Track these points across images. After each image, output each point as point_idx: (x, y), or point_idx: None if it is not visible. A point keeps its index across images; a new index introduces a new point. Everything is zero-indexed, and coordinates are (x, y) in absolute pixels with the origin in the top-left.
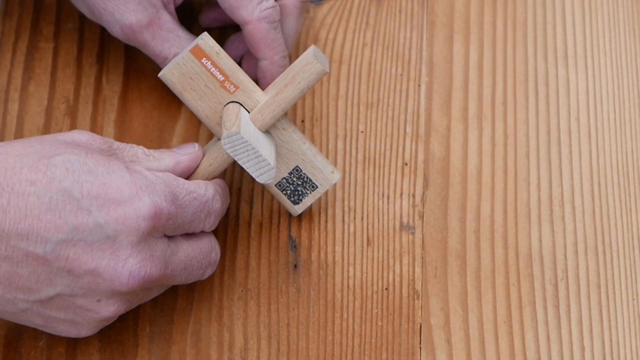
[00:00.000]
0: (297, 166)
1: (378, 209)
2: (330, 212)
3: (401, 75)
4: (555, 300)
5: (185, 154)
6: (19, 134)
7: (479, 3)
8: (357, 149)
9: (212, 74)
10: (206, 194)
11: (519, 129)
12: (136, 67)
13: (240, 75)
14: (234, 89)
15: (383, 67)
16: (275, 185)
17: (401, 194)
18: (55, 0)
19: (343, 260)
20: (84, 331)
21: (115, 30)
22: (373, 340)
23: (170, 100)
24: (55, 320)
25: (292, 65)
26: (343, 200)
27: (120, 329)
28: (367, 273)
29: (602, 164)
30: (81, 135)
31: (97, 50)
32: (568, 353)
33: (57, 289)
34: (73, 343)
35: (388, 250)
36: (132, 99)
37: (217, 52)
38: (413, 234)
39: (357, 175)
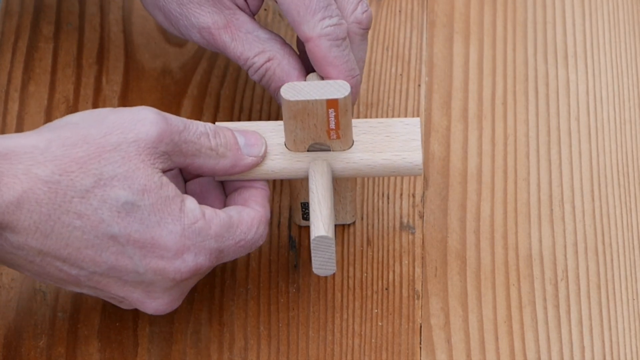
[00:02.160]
0: (306, 202)
1: (378, 209)
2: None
3: (401, 75)
4: (555, 300)
5: (249, 156)
6: None
7: (479, 3)
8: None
9: (328, 120)
10: (254, 237)
11: (519, 129)
12: (136, 67)
13: (348, 131)
14: (336, 137)
15: (383, 67)
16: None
17: (401, 194)
18: (55, 0)
19: (343, 260)
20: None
21: (193, 35)
22: (373, 340)
23: (170, 101)
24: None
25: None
26: None
27: (120, 329)
28: (367, 273)
29: (602, 164)
30: (150, 128)
31: (97, 50)
32: (568, 353)
33: (84, 290)
34: (73, 343)
35: (388, 250)
36: (132, 99)
37: (346, 110)
38: (413, 234)
39: None
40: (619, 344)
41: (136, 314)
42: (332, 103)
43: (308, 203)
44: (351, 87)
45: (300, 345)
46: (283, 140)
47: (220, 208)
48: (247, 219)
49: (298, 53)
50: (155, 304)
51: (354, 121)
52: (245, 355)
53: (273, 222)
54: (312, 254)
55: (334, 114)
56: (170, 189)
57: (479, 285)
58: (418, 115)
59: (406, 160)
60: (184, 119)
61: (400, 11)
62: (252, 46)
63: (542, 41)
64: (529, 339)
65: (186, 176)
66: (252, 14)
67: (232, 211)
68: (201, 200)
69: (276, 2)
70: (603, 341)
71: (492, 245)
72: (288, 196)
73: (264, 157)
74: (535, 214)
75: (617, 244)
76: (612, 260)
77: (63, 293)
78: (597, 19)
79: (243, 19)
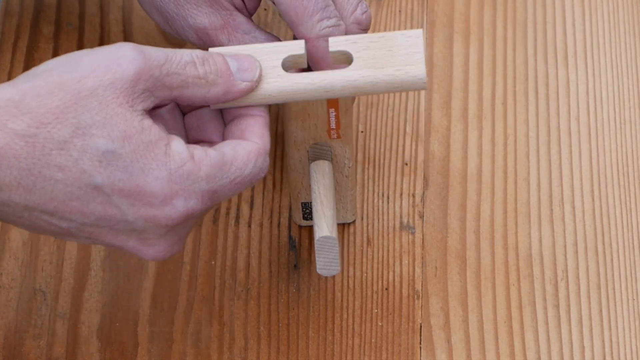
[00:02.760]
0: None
1: (378, 209)
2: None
3: None
4: (555, 300)
5: (242, 81)
6: None
7: (479, 3)
8: (357, 149)
9: (329, 120)
10: (252, 171)
11: (519, 129)
12: None
13: (349, 130)
14: (336, 137)
15: None
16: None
17: (401, 194)
18: (55, 0)
19: (343, 260)
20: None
21: (190, 36)
22: (373, 340)
23: None
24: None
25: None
26: None
27: (120, 329)
28: (367, 273)
29: (602, 164)
30: (127, 67)
31: None
32: (568, 353)
33: (80, 240)
34: (73, 343)
35: (388, 250)
36: None
37: (347, 109)
38: (413, 234)
39: (357, 175)
40: (619, 344)
41: (136, 314)
42: (332, 103)
43: (309, 203)
44: None
45: (300, 345)
46: (279, 62)
47: (219, 140)
48: (242, 153)
49: None
50: (153, 250)
51: (353, 37)
52: (245, 355)
53: (273, 222)
54: (317, 255)
55: (334, 113)
56: (153, 132)
57: (479, 285)
58: (418, 116)
59: (409, 74)
60: (167, 50)
61: (400, 11)
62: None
63: (542, 41)
64: (529, 339)
65: (183, 109)
66: (249, 15)
67: (225, 147)
68: (199, 134)
69: (274, 3)
70: (603, 341)
71: (492, 245)
72: (288, 196)
73: (258, 81)
74: (535, 214)
75: (617, 244)
76: (612, 260)
77: (63, 293)
78: (597, 19)
79: (240, 19)
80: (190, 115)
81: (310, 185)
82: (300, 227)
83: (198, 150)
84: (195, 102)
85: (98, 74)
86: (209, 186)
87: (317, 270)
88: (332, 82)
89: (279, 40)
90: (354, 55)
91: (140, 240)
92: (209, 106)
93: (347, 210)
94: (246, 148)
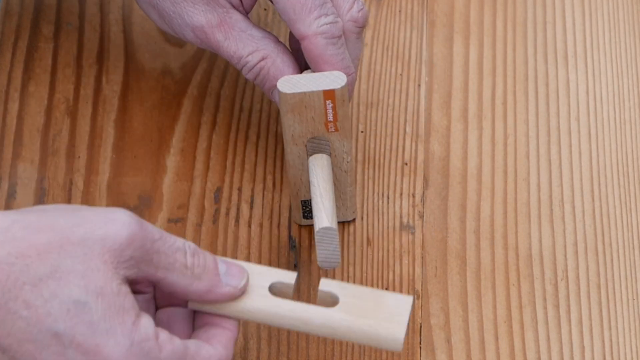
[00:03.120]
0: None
1: (378, 209)
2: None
3: (401, 75)
4: (555, 300)
5: (227, 284)
6: (18, 134)
7: (479, 3)
8: (357, 149)
9: (326, 112)
10: None
11: (519, 129)
12: (136, 67)
13: (346, 123)
14: (334, 130)
15: (383, 67)
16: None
17: (401, 194)
18: (55, 0)
19: (343, 260)
20: None
21: (187, 34)
22: None
23: (170, 100)
24: None
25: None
26: None
27: None
28: (367, 273)
29: (602, 164)
30: (121, 229)
31: (97, 50)
32: (568, 353)
33: None
34: None
35: (388, 250)
36: (132, 99)
37: (343, 101)
38: (413, 234)
39: (357, 175)
40: (619, 344)
41: None
42: (329, 94)
43: (308, 201)
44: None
45: (300, 345)
46: (267, 284)
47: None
48: (204, 354)
49: (291, 51)
50: None
51: (343, 284)
52: (246, 355)
53: (273, 222)
54: (317, 247)
55: (331, 105)
56: (128, 300)
57: (479, 285)
58: (418, 116)
59: (388, 331)
60: (162, 231)
61: (400, 11)
62: (245, 45)
63: (542, 41)
64: (529, 339)
65: (159, 302)
66: (246, 13)
67: (190, 343)
68: (166, 329)
69: (271, 1)
70: (603, 341)
71: (492, 245)
72: (288, 196)
73: (242, 290)
74: (535, 214)
75: (617, 244)
76: (612, 260)
77: None
78: (597, 19)
79: (236, 17)
80: (163, 311)
81: (309, 182)
82: (300, 227)
83: (164, 333)
84: (177, 291)
85: (92, 227)
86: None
87: (318, 263)
88: (312, 317)
89: (276, 38)
90: (341, 299)
91: None
92: (186, 304)
93: (347, 207)
94: (209, 352)
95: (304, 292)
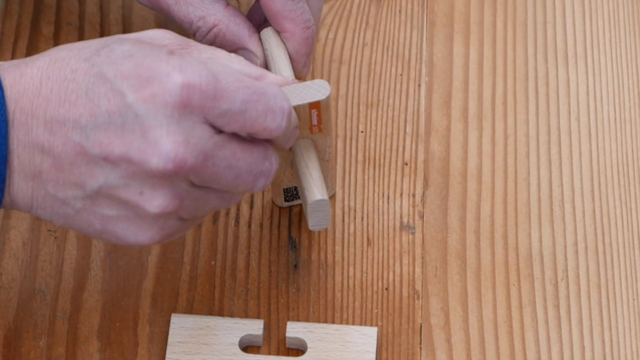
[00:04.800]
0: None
1: (378, 209)
2: (330, 212)
3: (401, 75)
4: (555, 300)
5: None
6: None
7: (479, 3)
8: (357, 149)
9: (310, 119)
10: (264, 87)
11: (519, 129)
12: None
13: (329, 123)
14: (318, 131)
15: (383, 67)
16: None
17: (401, 194)
18: (55, 0)
19: (343, 260)
20: (142, 234)
21: None
22: None
23: None
24: (110, 220)
25: None
26: (343, 200)
27: (120, 329)
28: (367, 273)
29: (602, 164)
30: (156, 33)
31: None
32: (568, 353)
33: (99, 181)
34: (73, 343)
35: (388, 250)
36: None
37: (328, 107)
38: (413, 234)
39: (357, 175)
40: (619, 344)
41: (136, 314)
42: (314, 105)
43: (291, 188)
44: (306, 38)
45: None
46: (237, 339)
47: None
48: (246, 76)
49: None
50: (159, 150)
51: (309, 325)
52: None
53: (273, 222)
54: (309, 216)
55: (316, 113)
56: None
57: (479, 285)
58: (418, 116)
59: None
60: None
61: (400, 11)
62: (195, 9)
63: (542, 41)
64: (529, 339)
65: None
66: None
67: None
68: None
69: None
70: (603, 341)
71: (492, 245)
72: None
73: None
74: (535, 214)
75: (617, 244)
76: (612, 260)
77: (63, 293)
78: (597, 19)
79: None
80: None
81: (292, 173)
82: (300, 227)
83: None
84: None
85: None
86: (208, 69)
87: (310, 227)
88: None
89: (225, 1)
90: (309, 344)
91: (144, 135)
92: None
93: (328, 186)
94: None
95: (304, 292)
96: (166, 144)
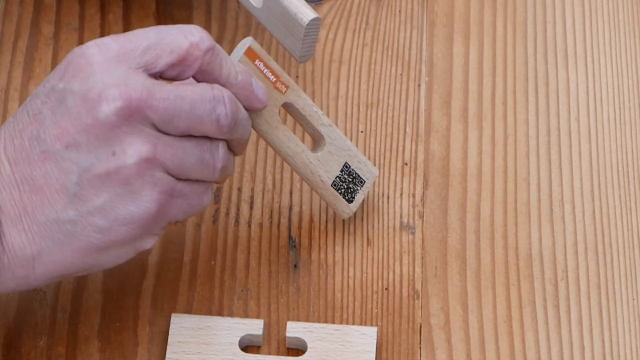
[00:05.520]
0: (346, 162)
1: (378, 209)
2: (330, 212)
3: (401, 75)
4: (555, 300)
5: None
6: None
7: (479, 3)
8: (357, 149)
9: (265, 75)
10: (204, 94)
11: (519, 129)
12: None
13: (286, 75)
14: (285, 88)
15: (383, 67)
16: (332, 185)
17: (401, 194)
18: (55, 0)
19: (343, 260)
20: (142, 201)
21: None
22: None
23: None
24: (107, 209)
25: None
26: None
27: (120, 329)
28: (367, 273)
29: (602, 164)
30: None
31: None
32: (568, 353)
33: (74, 172)
34: (73, 343)
35: (388, 250)
36: None
37: (266, 54)
38: (413, 234)
39: None
40: (619, 344)
41: (136, 314)
42: (250, 53)
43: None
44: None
45: None
46: (237, 339)
47: None
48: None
49: None
50: (101, 96)
51: (309, 325)
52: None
53: (273, 222)
54: (302, 41)
55: (261, 64)
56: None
57: (479, 285)
58: (418, 116)
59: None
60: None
61: (400, 11)
62: None
63: (542, 41)
64: (529, 339)
65: None
66: None
67: None
68: None
69: None
70: (603, 341)
71: (492, 245)
72: (288, 196)
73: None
74: (535, 214)
75: (617, 244)
76: (612, 260)
77: (63, 293)
78: (597, 19)
79: None
80: None
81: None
82: (300, 227)
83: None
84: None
85: None
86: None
87: (299, 59)
88: None
89: None
90: (309, 344)
91: (86, 101)
92: None
93: (367, 164)
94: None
95: (304, 292)
96: (108, 90)
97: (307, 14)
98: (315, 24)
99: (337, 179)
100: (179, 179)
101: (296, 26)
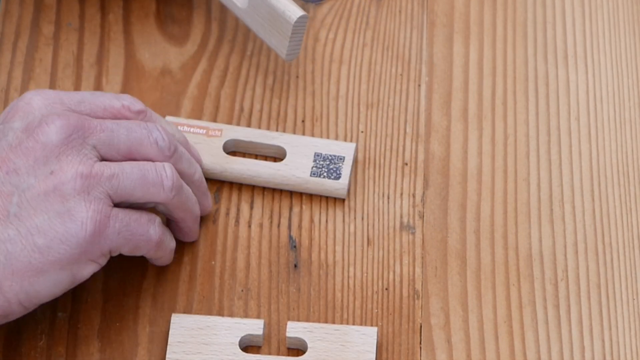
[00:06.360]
0: (315, 152)
1: (378, 209)
2: (330, 212)
3: (401, 75)
4: (555, 300)
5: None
6: None
7: (479, 3)
8: (357, 149)
9: (194, 133)
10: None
11: (519, 129)
12: (136, 67)
13: (213, 124)
14: (219, 132)
15: (383, 67)
16: (311, 175)
17: (401, 194)
18: (55, 0)
19: (343, 260)
20: (74, 220)
21: None
22: None
23: (170, 101)
24: (42, 229)
25: None
26: (343, 200)
27: (120, 329)
28: (367, 273)
29: (602, 164)
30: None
31: (97, 50)
32: (568, 353)
33: (14, 195)
34: (73, 343)
35: (388, 250)
36: None
37: (184, 119)
38: (413, 234)
39: (357, 175)
40: (619, 344)
41: (136, 314)
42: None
43: None
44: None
45: None
46: (238, 339)
47: None
48: None
49: None
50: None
51: (310, 325)
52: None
53: (273, 222)
54: (290, 39)
55: (184, 127)
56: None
57: (479, 285)
58: (418, 116)
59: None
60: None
61: (400, 11)
62: None
63: (542, 41)
64: (529, 339)
65: None
66: None
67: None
68: None
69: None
70: (603, 341)
71: (492, 245)
72: (289, 195)
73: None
74: (535, 214)
75: (617, 244)
76: (612, 260)
77: (63, 293)
78: (597, 19)
79: None
80: None
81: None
82: (300, 227)
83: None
84: None
85: None
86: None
87: (286, 57)
88: None
89: None
90: (309, 344)
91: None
92: None
93: (338, 144)
94: None
95: (304, 292)
96: (47, 117)
97: (294, 11)
98: (302, 21)
99: (314, 168)
100: (122, 202)
101: (284, 24)
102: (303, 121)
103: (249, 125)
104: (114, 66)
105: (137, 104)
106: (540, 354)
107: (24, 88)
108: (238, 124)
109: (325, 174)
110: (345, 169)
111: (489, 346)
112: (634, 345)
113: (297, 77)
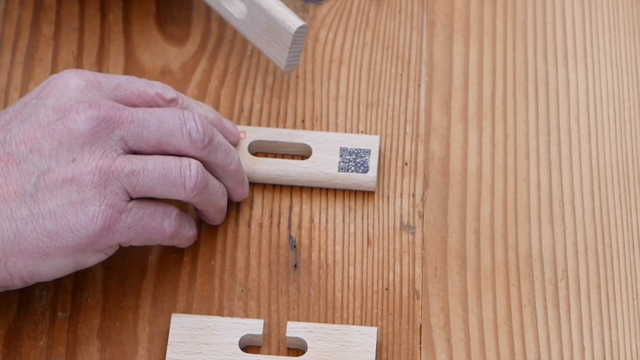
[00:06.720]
0: (340, 147)
1: (378, 209)
2: (330, 212)
3: (401, 75)
4: (555, 300)
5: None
6: None
7: (479, 3)
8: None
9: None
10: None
11: (519, 129)
12: (136, 67)
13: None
14: (243, 135)
15: (383, 67)
16: (339, 171)
17: (401, 194)
18: (55, 0)
19: (343, 260)
20: (86, 212)
21: None
22: None
23: None
24: (54, 215)
25: None
26: (343, 200)
27: (120, 329)
28: (367, 273)
29: (602, 164)
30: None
31: (97, 50)
32: (568, 353)
33: (35, 173)
34: (73, 343)
35: (388, 250)
36: None
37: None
38: (413, 234)
39: None
40: (619, 344)
41: (136, 314)
42: None
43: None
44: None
45: None
46: (238, 339)
47: None
48: None
49: None
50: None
51: (309, 325)
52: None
53: (273, 222)
54: (290, 49)
55: None
56: None
57: (479, 285)
58: (418, 116)
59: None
60: None
61: (400, 11)
62: None
63: (542, 41)
64: (529, 339)
65: None
66: None
67: None
68: None
69: None
70: (603, 341)
71: (492, 245)
72: (289, 195)
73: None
74: (535, 214)
75: (617, 244)
76: (612, 260)
77: (63, 293)
78: (597, 19)
79: None
80: None
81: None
82: (300, 227)
83: None
84: None
85: None
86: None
87: (285, 69)
88: None
89: None
90: (309, 344)
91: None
92: None
93: (362, 137)
94: None
95: (304, 292)
96: (79, 104)
97: (294, 21)
98: (302, 31)
99: (341, 163)
100: (139, 197)
101: (283, 34)
102: (303, 121)
103: (249, 124)
104: (114, 66)
105: (169, 92)
106: (540, 354)
107: (24, 88)
108: (238, 124)
109: (352, 168)
110: (372, 162)
111: (488, 346)
112: (634, 345)
113: (297, 77)
